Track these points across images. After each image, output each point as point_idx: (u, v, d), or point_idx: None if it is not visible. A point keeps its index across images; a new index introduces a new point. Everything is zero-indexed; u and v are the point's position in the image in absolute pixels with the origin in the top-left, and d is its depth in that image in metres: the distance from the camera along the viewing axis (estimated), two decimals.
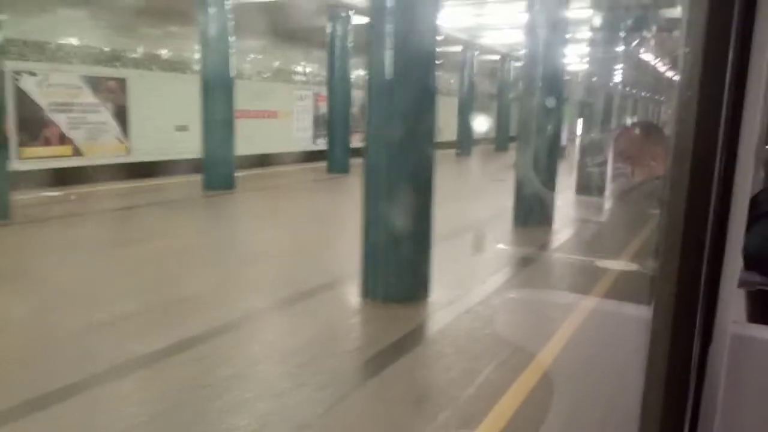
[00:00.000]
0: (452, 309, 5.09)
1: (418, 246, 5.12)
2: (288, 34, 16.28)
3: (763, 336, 0.91)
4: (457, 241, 7.71)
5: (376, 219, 4.99)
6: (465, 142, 23.46)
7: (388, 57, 4.66)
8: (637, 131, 2.61)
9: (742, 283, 1.17)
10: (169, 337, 4.36)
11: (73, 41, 11.92)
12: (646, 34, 14.07)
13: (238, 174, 12.30)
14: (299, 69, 17.80)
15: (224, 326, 4.67)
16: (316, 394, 3.56)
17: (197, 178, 11.91)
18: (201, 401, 3.46)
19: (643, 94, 25.83)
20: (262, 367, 4.05)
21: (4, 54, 9.03)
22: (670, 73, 22.02)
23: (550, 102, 8.43)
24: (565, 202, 10.91)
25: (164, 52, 13.71)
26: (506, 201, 9.04)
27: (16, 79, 10.89)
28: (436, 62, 5.04)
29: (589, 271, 6.61)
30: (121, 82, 12.80)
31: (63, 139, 11.85)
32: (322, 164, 15.69)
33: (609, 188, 12.29)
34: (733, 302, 0.82)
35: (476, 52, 22.94)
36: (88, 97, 12.21)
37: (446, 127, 23.92)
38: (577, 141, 15.64)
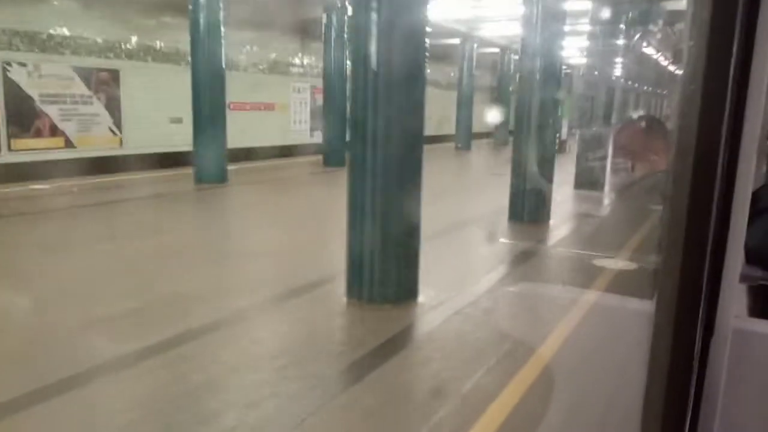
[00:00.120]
0: (441, 311, 4.91)
1: (405, 244, 4.93)
2: (285, 25, 16.05)
3: (764, 330, 0.93)
4: (448, 239, 7.53)
5: (361, 217, 4.79)
6: (464, 135, 23.26)
7: (372, 46, 4.41)
8: (638, 125, 2.58)
9: (743, 278, 1.17)
10: (143, 340, 4.21)
11: (65, 31, 11.70)
12: (648, 27, 13.85)
13: (233, 167, 12.10)
14: (296, 61, 17.58)
15: (202, 328, 4.51)
16: (291, 404, 3.39)
17: (191, 171, 11.72)
18: (171, 415, 3.30)
19: (645, 88, 25.61)
20: (239, 375, 3.89)
21: None
22: (672, 67, 21.80)
23: (548, 95, 8.24)
24: (563, 197, 10.73)
25: (158, 43, 13.49)
26: (503, 196, 8.86)
27: (7, 70, 10.71)
28: (426, 53, 4.81)
29: (584, 271, 6.43)
30: (114, 74, 12.60)
31: (54, 131, 11.66)
32: (319, 157, 15.50)
33: (609, 183, 12.14)
34: (734, 297, 0.83)
35: (475, 45, 22.68)
36: (80, 88, 12.01)
37: (445, 121, 23.73)
38: (577, 135, 15.44)
